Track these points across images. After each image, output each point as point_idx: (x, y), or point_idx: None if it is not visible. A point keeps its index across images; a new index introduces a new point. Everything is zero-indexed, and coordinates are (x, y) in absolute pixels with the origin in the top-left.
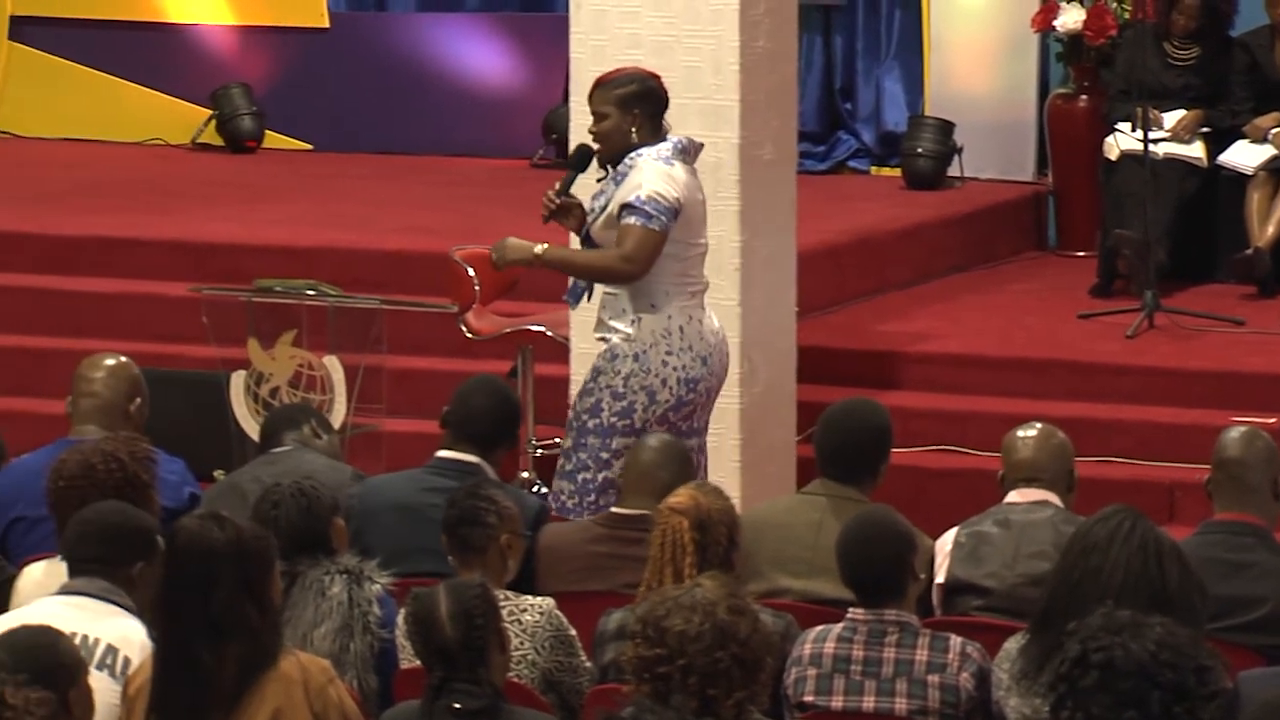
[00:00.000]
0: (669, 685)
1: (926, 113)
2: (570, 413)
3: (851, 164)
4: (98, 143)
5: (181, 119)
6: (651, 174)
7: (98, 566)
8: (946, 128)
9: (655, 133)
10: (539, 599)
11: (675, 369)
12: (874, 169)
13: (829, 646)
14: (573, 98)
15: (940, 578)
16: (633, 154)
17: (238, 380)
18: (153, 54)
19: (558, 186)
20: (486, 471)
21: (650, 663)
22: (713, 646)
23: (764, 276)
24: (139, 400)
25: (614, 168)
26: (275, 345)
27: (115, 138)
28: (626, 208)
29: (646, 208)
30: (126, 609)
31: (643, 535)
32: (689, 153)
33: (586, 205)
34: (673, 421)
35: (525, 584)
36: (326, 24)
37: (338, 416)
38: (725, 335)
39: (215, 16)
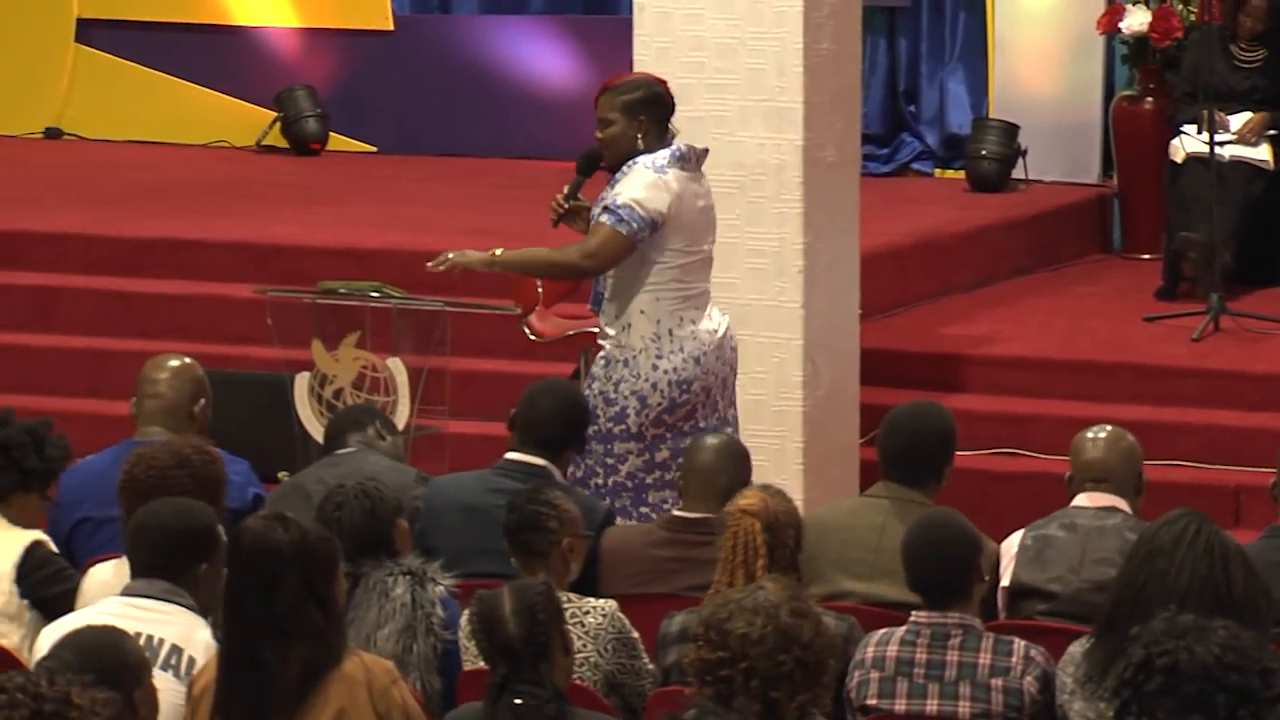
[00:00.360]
0: (731, 688)
1: (991, 115)
2: None
3: (915, 166)
4: (163, 145)
5: (246, 121)
6: (637, 182)
7: (159, 571)
8: (1011, 130)
9: (661, 138)
10: (601, 601)
11: (666, 371)
12: (938, 171)
13: (892, 650)
14: None
15: (1005, 580)
16: (630, 161)
17: (302, 382)
18: (218, 56)
19: (565, 191)
20: (554, 475)
21: (713, 665)
22: (775, 649)
23: (827, 279)
24: (203, 401)
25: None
26: (339, 347)
27: (180, 140)
28: (603, 209)
29: (620, 212)
30: (189, 608)
31: (706, 538)
32: (688, 160)
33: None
34: (669, 423)
35: (588, 587)
36: (391, 26)
37: (401, 418)
38: (729, 332)
39: (280, 19)
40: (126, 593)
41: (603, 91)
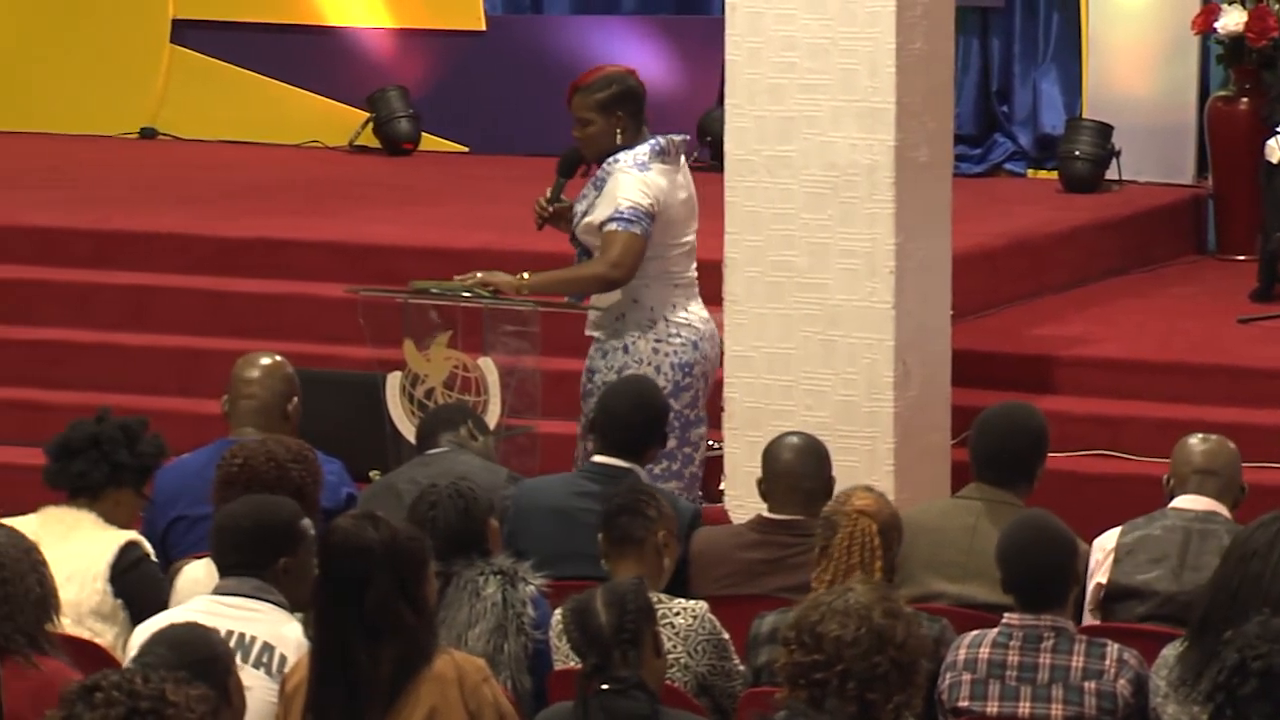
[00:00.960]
0: (825, 691)
1: (1084, 115)
2: (581, 416)
3: (1008, 166)
4: (256, 145)
5: (339, 121)
6: (627, 185)
7: (243, 569)
8: (1105, 130)
9: (638, 131)
10: (692, 602)
11: (666, 355)
12: (1031, 172)
13: (984, 652)
14: (728, 100)
15: (1102, 579)
16: (611, 158)
17: (393, 381)
18: (310, 57)
19: (548, 194)
20: (640, 476)
21: (806, 669)
22: (870, 651)
23: (919, 279)
24: (295, 400)
25: (597, 166)
26: (430, 346)
27: (273, 140)
28: (610, 219)
29: (627, 214)
30: (279, 605)
31: (798, 540)
32: (668, 154)
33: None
34: (676, 410)
35: (678, 589)
36: (483, 26)
37: (492, 418)
38: (714, 324)
39: (372, 19)
40: (218, 591)
41: (575, 91)
